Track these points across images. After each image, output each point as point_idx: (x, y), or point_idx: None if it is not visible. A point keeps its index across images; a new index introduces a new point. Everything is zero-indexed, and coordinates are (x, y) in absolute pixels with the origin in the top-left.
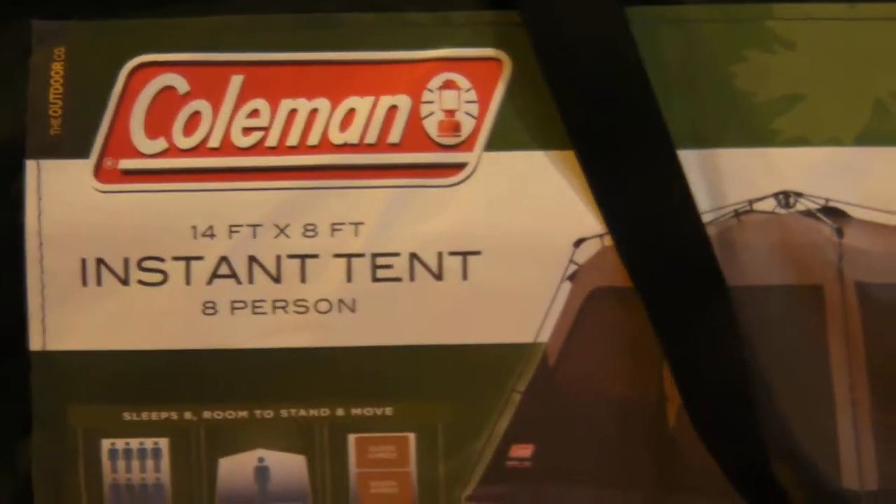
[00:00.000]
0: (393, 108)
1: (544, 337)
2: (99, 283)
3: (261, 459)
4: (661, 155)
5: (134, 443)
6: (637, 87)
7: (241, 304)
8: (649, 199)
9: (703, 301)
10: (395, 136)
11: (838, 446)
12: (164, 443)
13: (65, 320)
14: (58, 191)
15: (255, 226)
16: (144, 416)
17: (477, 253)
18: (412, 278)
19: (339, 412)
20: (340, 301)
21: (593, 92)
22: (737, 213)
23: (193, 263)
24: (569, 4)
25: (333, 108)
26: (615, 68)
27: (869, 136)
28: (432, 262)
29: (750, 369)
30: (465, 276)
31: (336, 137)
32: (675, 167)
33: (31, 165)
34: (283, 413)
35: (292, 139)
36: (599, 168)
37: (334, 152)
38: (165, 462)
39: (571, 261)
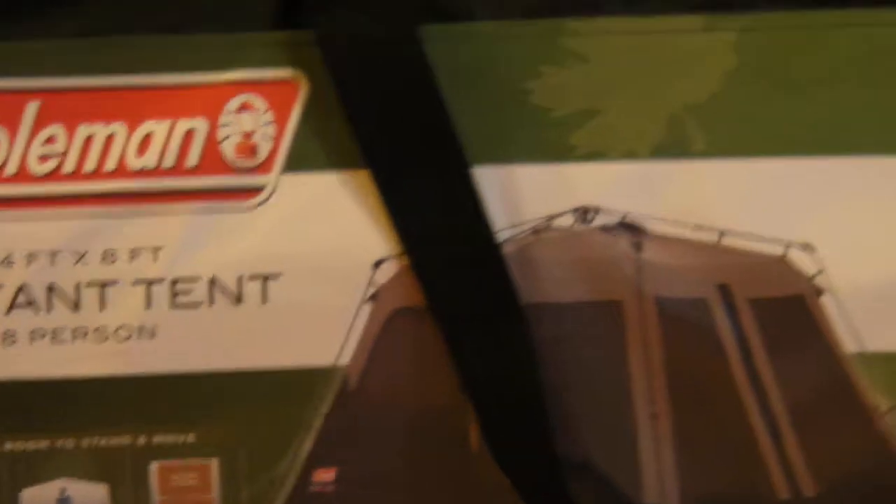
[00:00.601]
0: (190, 132)
1: (345, 359)
2: None
3: (62, 490)
4: (454, 173)
5: None
6: (430, 105)
7: (40, 333)
8: (442, 218)
9: (497, 320)
10: (192, 159)
11: (639, 462)
12: None
13: None
14: None
15: (53, 253)
16: None
17: (277, 276)
18: (211, 303)
19: (141, 440)
20: (140, 328)
21: (386, 111)
22: (535, 230)
23: None
24: (362, 24)
25: (130, 133)
26: (408, 87)
27: (664, 150)
28: (232, 286)
29: (544, 389)
30: (264, 300)
31: (133, 163)
32: (469, 185)
33: None
34: (85, 442)
35: (89, 165)
36: (393, 187)
37: (132, 178)
38: None
39: (371, 282)
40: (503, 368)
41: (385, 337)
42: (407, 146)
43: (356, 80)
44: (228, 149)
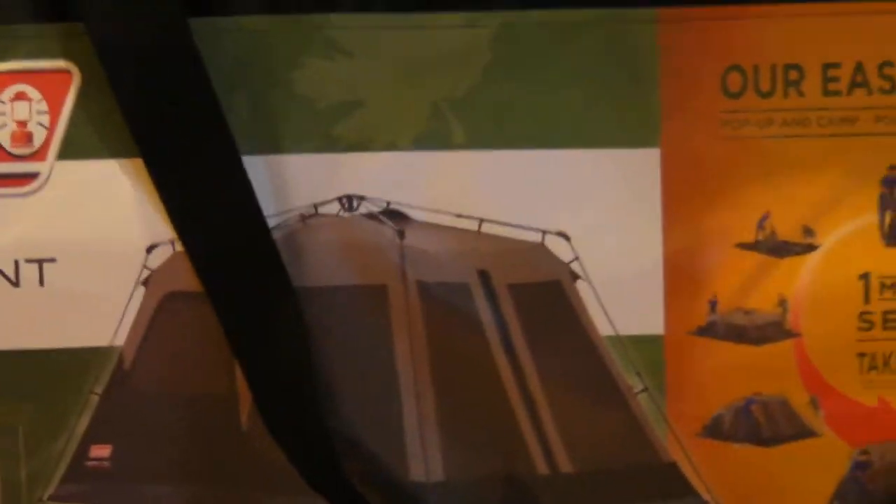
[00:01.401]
0: None
1: (120, 341)
2: None
3: None
4: (224, 161)
5: None
6: (199, 94)
7: None
8: (214, 205)
9: (269, 303)
10: None
11: (405, 440)
12: None
13: None
14: None
15: None
16: None
17: (52, 260)
18: None
19: None
20: None
21: (157, 100)
22: (303, 217)
23: None
24: (132, 15)
25: None
26: (177, 77)
27: (426, 141)
28: (9, 270)
29: (316, 369)
30: (41, 283)
31: None
32: (240, 173)
33: None
34: None
35: None
36: (165, 175)
37: None
38: None
39: (145, 266)
40: (276, 349)
41: (159, 319)
42: (178, 135)
43: (127, 72)
44: (3, 137)
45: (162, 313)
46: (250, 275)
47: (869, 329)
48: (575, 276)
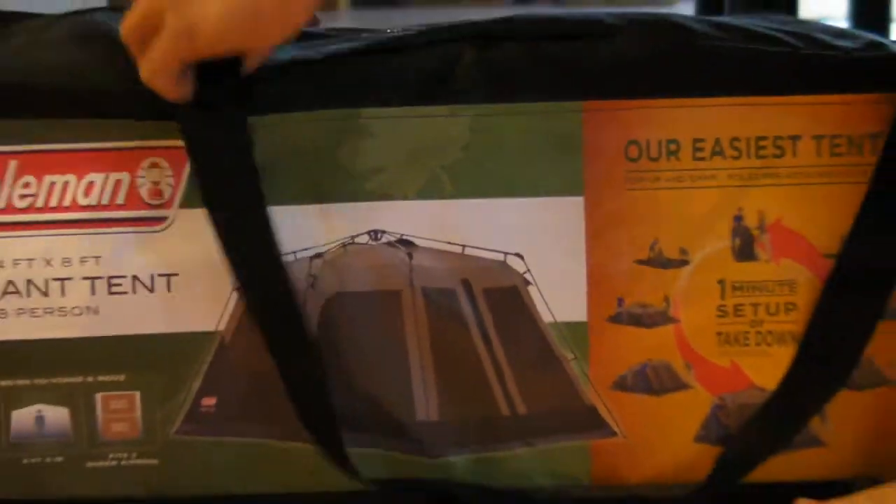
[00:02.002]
0: (119, 180)
1: (222, 327)
2: None
3: (39, 411)
4: (259, 223)
5: None
6: (249, 174)
7: (23, 311)
8: (245, 253)
9: (282, 318)
10: (120, 199)
11: (412, 393)
12: None
13: None
14: None
15: (30, 259)
16: None
17: (175, 274)
18: (134, 291)
19: (90, 378)
20: (87, 307)
21: (222, 176)
22: (344, 245)
23: None
24: (206, 118)
25: (79, 181)
26: (233, 160)
27: (427, 193)
28: (147, 281)
29: (320, 360)
30: (168, 289)
31: (81, 200)
32: (269, 229)
33: None
34: (54, 381)
35: (52, 202)
36: (225, 228)
37: (81, 210)
38: None
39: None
40: (294, 355)
41: (247, 314)
42: (235, 200)
43: (202, 163)
44: (144, 192)
45: (246, 317)
46: (267, 297)
47: (724, 316)
48: (527, 283)
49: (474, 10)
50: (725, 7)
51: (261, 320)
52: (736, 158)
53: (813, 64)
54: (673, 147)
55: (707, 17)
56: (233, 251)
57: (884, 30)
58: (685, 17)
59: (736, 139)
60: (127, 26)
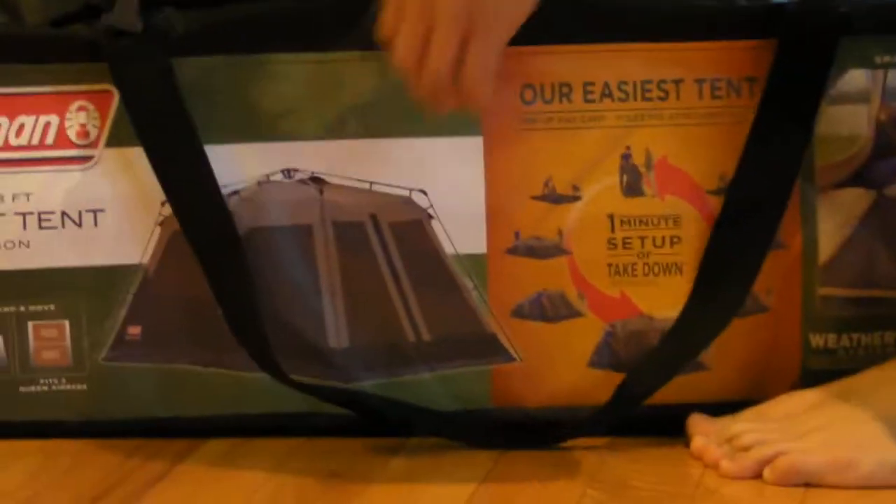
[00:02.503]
0: (48, 123)
1: (145, 259)
2: None
3: None
4: (192, 154)
5: None
6: (178, 110)
7: None
8: (185, 182)
9: (223, 245)
10: (49, 139)
11: (325, 320)
12: None
13: None
14: None
15: None
16: None
17: (102, 210)
18: (63, 226)
19: (22, 308)
20: (20, 241)
21: (154, 112)
22: (259, 183)
23: None
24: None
25: (10, 123)
26: (163, 98)
27: (336, 132)
28: (75, 216)
29: (254, 287)
30: (95, 224)
31: (13, 141)
32: (204, 161)
33: None
34: None
35: None
36: (158, 165)
37: (12, 150)
38: None
39: (160, 213)
40: (228, 275)
41: (169, 247)
42: (165, 136)
43: (136, 101)
44: (72, 133)
45: (171, 244)
46: (210, 226)
47: (614, 249)
48: (430, 217)
49: None
50: None
51: (200, 247)
52: (623, 101)
53: (694, 12)
54: (565, 90)
55: None
56: (171, 184)
57: None
58: None
59: (623, 83)
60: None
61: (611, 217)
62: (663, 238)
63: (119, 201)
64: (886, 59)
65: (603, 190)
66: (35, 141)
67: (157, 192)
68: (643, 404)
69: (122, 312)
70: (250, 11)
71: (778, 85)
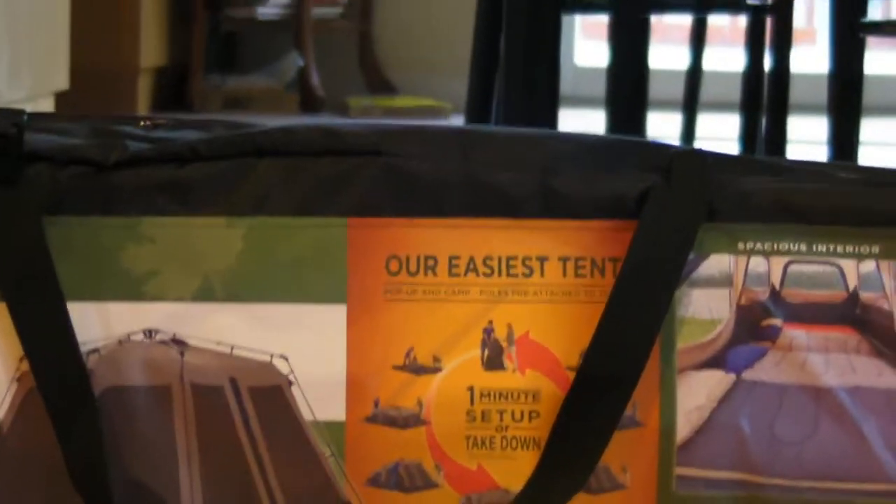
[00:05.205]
0: None
1: (1, 415)
2: None
3: None
4: (56, 311)
5: None
6: (42, 266)
7: None
8: (43, 339)
9: (74, 408)
10: None
11: (179, 485)
12: None
13: None
14: None
15: None
16: None
17: None
18: None
19: None
20: None
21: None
22: (120, 342)
23: None
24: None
25: None
26: (29, 255)
27: (201, 297)
28: None
29: (103, 446)
30: None
31: None
32: (64, 320)
33: None
34: None
35: None
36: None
37: None
38: None
39: (18, 369)
40: (78, 439)
41: (25, 403)
42: (29, 293)
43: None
44: None
45: (26, 400)
46: (64, 382)
47: (472, 421)
48: (290, 383)
49: (266, 117)
50: (493, 119)
51: (52, 403)
52: (488, 276)
53: (560, 192)
54: (430, 263)
55: (473, 142)
56: (29, 340)
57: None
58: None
59: (489, 258)
60: None
61: (471, 389)
62: (522, 412)
63: None
64: (749, 245)
65: (464, 363)
66: None
67: (15, 347)
68: None
69: None
70: (122, 175)
71: (635, 266)
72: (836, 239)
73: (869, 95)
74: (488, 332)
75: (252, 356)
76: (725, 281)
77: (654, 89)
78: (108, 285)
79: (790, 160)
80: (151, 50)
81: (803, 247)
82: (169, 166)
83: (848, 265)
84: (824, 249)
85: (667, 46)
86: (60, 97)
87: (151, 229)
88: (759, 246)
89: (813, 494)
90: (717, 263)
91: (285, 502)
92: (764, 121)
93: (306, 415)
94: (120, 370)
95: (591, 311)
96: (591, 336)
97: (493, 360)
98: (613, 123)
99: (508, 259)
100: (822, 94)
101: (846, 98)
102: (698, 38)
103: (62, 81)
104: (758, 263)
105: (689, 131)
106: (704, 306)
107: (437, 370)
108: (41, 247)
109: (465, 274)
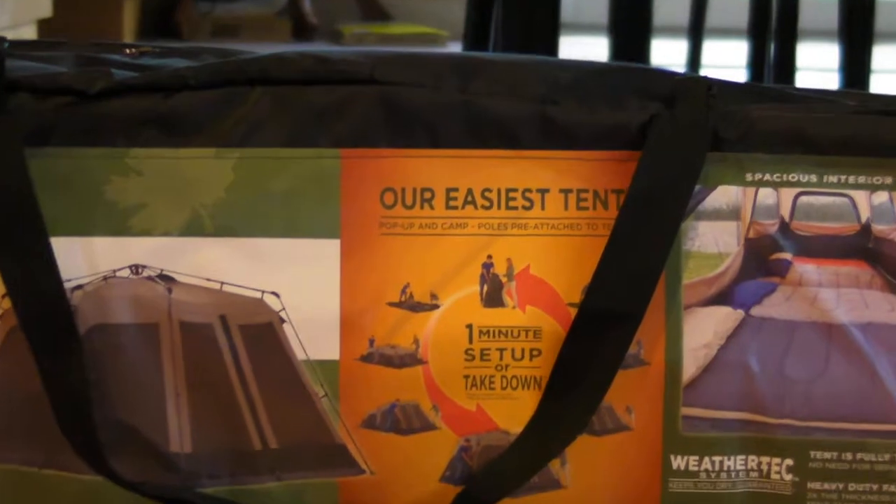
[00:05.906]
0: None
1: None
2: None
3: None
4: (38, 249)
5: None
6: (26, 201)
7: None
8: (27, 277)
9: (59, 344)
10: None
11: (167, 423)
12: None
13: None
14: None
15: None
16: None
17: None
18: None
19: None
20: None
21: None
22: (105, 278)
23: None
24: None
25: None
26: (11, 190)
27: (188, 230)
28: None
29: (89, 383)
30: None
31: None
32: (48, 255)
33: None
34: None
35: None
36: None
37: None
38: None
39: (1, 307)
40: (62, 375)
41: (8, 343)
42: (11, 228)
43: None
44: None
45: (10, 338)
46: (47, 320)
47: (471, 360)
48: (282, 321)
49: (257, 45)
50: (491, 47)
51: (35, 340)
52: (487, 208)
53: (560, 122)
54: (427, 195)
55: (471, 66)
56: (11, 276)
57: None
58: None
59: (487, 190)
60: None
61: (469, 327)
62: (522, 350)
63: None
64: (758, 176)
65: (462, 299)
66: None
67: None
68: None
69: None
70: (107, 105)
71: (638, 197)
72: (848, 169)
73: (882, 20)
74: (487, 267)
75: (242, 293)
76: (733, 213)
77: (659, 14)
78: (93, 219)
79: (800, 88)
80: None
81: (814, 178)
82: (156, 96)
83: (860, 196)
84: (835, 180)
85: None
86: (43, 24)
87: (138, 161)
88: (767, 177)
89: (823, 435)
90: (724, 195)
91: (277, 444)
92: (772, 47)
93: (299, 353)
94: (106, 307)
95: (593, 244)
96: (594, 271)
97: (493, 297)
98: (616, 51)
99: (508, 191)
100: (832, 19)
101: (857, 23)
102: None
103: (45, 8)
104: (767, 195)
105: (694, 58)
106: (711, 240)
107: (434, 307)
108: (24, 179)
109: (463, 207)
